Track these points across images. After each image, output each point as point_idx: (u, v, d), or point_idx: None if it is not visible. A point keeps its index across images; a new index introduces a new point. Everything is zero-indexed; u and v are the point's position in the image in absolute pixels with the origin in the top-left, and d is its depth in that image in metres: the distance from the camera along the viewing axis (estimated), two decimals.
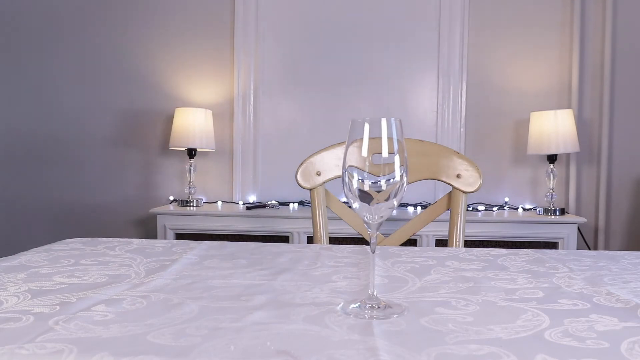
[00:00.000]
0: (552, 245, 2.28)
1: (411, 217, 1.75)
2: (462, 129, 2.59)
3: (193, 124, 2.45)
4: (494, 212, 2.45)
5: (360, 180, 0.63)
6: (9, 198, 2.82)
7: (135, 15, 2.73)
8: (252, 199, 2.67)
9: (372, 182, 0.63)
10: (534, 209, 2.48)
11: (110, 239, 1.12)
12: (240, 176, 2.68)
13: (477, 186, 1.34)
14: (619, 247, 2.57)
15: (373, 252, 0.66)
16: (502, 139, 2.61)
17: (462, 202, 1.34)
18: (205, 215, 2.38)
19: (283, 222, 2.34)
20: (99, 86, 2.76)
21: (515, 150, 2.60)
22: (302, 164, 1.40)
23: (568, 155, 2.54)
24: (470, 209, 2.49)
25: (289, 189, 2.55)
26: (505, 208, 2.53)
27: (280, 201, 2.59)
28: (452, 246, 1.33)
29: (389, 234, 1.39)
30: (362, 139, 0.62)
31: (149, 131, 2.74)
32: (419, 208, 2.43)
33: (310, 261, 0.93)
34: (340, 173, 1.08)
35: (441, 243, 2.25)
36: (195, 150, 2.52)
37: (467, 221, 1.94)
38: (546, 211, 2.34)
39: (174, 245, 1.05)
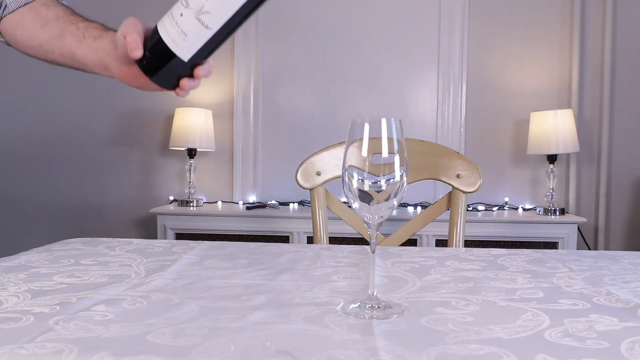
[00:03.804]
0: (552, 245, 2.28)
1: (411, 217, 1.75)
2: (462, 129, 2.59)
3: (193, 124, 2.45)
4: (494, 212, 2.45)
5: (360, 180, 0.63)
6: (9, 198, 2.82)
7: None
8: (252, 199, 2.67)
9: (372, 182, 0.63)
10: (534, 209, 2.48)
11: (110, 239, 1.12)
12: (240, 176, 2.68)
13: (477, 186, 1.34)
14: (619, 247, 2.57)
15: (373, 252, 0.66)
16: (502, 139, 2.61)
17: (462, 202, 1.34)
18: (205, 215, 2.38)
19: (283, 222, 2.34)
20: (99, 86, 2.75)
21: (515, 150, 2.60)
22: (302, 164, 1.40)
23: (568, 155, 2.54)
24: (470, 209, 2.49)
25: (289, 189, 2.55)
26: (505, 208, 2.53)
27: (280, 201, 2.59)
28: (452, 246, 1.33)
29: (389, 234, 1.39)
30: (362, 139, 0.62)
31: (149, 131, 2.74)
32: (419, 208, 2.43)
33: (310, 261, 0.93)
34: (340, 173, 1.08)
35: (441, 243, 2.25)
36: (195, 150, 2.52)
37: (467, 221, 1.93)
38: (546, 211, 2.34)
39: (174, 245, 1.05)
